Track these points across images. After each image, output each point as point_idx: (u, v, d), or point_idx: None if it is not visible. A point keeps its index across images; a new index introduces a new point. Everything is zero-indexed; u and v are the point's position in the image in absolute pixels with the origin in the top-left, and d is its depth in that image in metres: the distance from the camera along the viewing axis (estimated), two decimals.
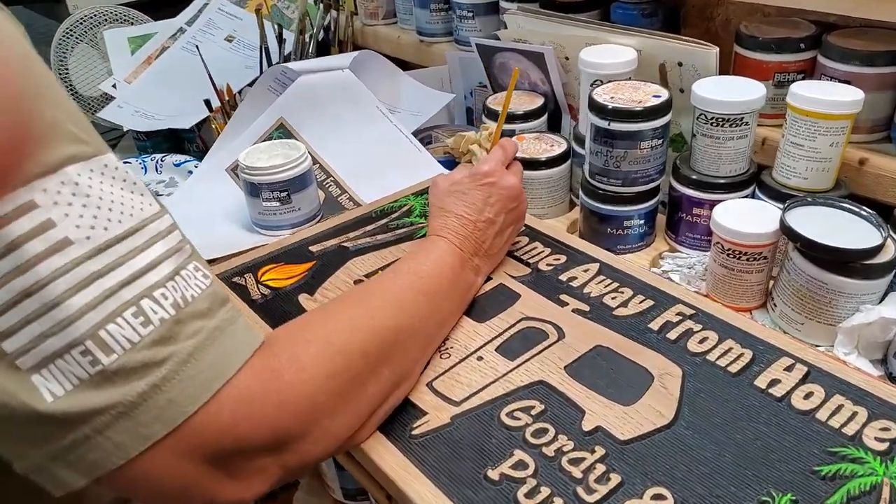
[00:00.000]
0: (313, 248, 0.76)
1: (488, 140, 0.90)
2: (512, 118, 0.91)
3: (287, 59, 1.19)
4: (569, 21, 0.87)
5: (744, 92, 0.69)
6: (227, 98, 1.10)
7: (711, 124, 0.70)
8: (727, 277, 0.67)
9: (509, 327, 0.62)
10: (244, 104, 1.00)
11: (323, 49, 1.25)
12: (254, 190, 0.83)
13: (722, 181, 0.72)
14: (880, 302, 0.61)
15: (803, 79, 0.75)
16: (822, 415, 0.52)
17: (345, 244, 0.76)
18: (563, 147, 0.85)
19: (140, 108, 1.23)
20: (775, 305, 0.66)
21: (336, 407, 0.47)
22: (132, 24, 1.47)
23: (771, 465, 0.48)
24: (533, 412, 0.53)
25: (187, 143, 1.25)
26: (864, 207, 0.63)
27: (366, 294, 0.55)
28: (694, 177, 0.73)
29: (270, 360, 0.44)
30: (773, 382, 0.54)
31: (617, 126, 0.71)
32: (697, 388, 0.55)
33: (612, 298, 0.65)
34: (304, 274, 0.72)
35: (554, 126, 0.96)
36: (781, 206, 0.68)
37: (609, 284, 0.66)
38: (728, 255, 0.66)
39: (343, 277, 0.71)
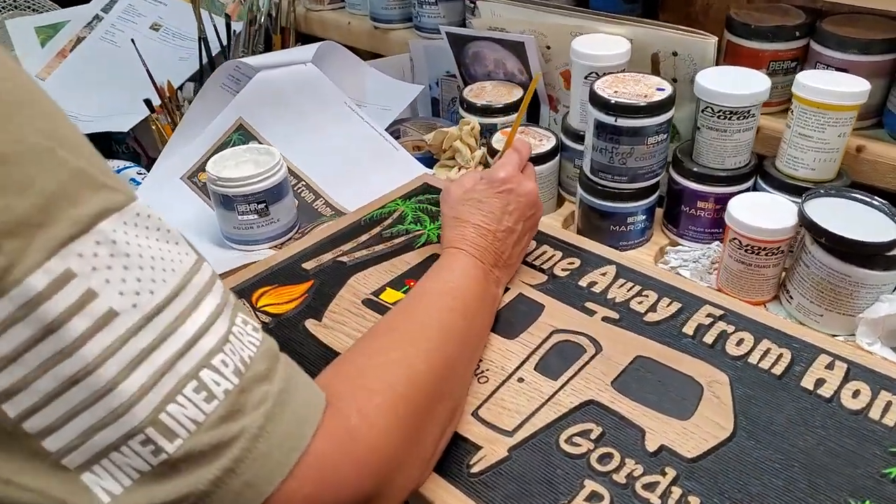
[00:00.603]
0: (307, 266, 0.70)
1: (471, 135, 0.86)
2: (491, 111, 0.88)
3: (226, 49, 1.10)
4: (551, 9, 0.83)
5: (750, 84, 0.68)
6: (168, 96, 1.00)
7: (719, 117, 0.68)
8: (744, 273, 0.66)
9: (542, 343, 0.59)
10: (195, 104, 0.91)
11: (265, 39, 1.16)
12: (227, 203, 0.75)
13: (726, 174, 0.71)
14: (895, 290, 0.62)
15: (796, 67, 0.75)
16: (874, 413, 0.52)
17: (340, 259, 0.71)
18: (553, 141, 0.82)
19: None
20: (791, 298, 0.66)
21: (406, 457, 0.43)
22: (36, 11, 1.32)
23: (839, 472, 0.48)
24: (592, 436, 0.51)
25: (116, 144, 1.14)
26: (876, 197, 0.64)
27: (408, 325, 0.50)
28: (696, 169, 0.72)
29: (339, 418, 0.39)
30: (820, 382, 0.54)
31: (624, 122, 0.68)
32: (747, 394, 0.54)
33: (639, 303, 0.63)
34: (304, 296, 0.66)
35: (532, 117, 0.93)
36: (788, 197, 0.68)
37: (631, 288, 0.65)
38: (746, 250, 0.65)
39: (349, 297, 0.65)
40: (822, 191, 0.65)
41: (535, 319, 0.62)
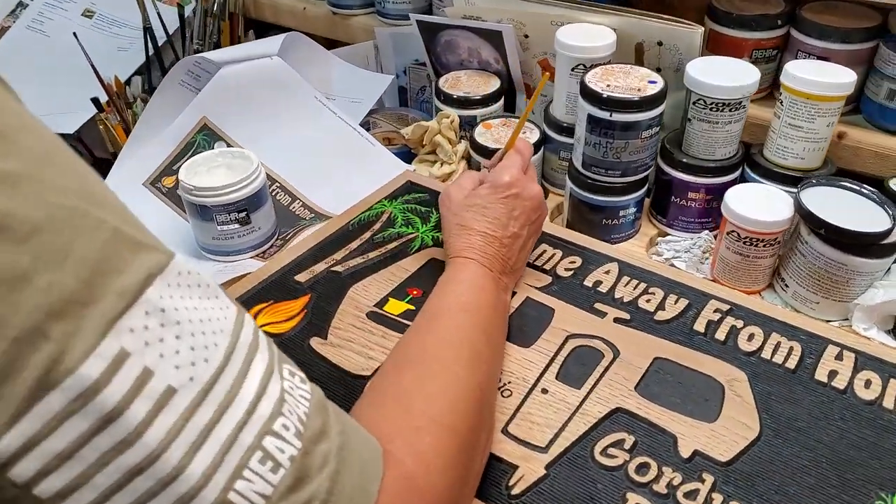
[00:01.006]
0: (300, 279, 0.67)
1: (450, 129, 0.84)
2: (470, 103, 0.86)
3: (172, 39, 1.03)
4: None
5: (741, 75, 0.68)
6: (116, 92, 0.93)
7: (711, 109, 0.69)
8: (741, 264, 0.67)
9: (559, 349, 0.58)
10: (153, 103, 0.85)
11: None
12: (205, 213, 0.71)
13: (716, 164, 0.72)
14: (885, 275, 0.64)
15: (777, 55, 0.75)
16: (887, 402, 0.53)
17: (335, 268, 0.68)
18: (536, 134, 0.81)
19: None
20: (787, 286, 0.67)
21: (461, 491, 0.41)
22: None
23: (865, 464, 0.49)
24: (626, 446, 0.50)
25: None
26: (865, 186, 0.65)
27: (437, 350, 0.48)
28: (687, 161, 0.73)
29: (396, 465, 0.37)
30: (832, 374, 0.56)
31: (619, 117, 0.68)
32: (766, 390, 0.55)
33: (647, 301, 0.63)
34: (302, 312, 0.63)
35: (508, 107, 0.91)
36: (779, 186, 0.70)
37: (637, 286, 0.64)
38: (745, 242, 0.66)
39: (351, 311, 0.63)
40: (813, 181, 0.66)
41: (547, 325, 0.61)
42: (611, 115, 0.68)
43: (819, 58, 0.71)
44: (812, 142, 0.68)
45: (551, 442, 0.51)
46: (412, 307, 0.63)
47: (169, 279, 0.30)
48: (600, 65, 0.73)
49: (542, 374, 0.56)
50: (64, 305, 0.26)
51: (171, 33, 1.05)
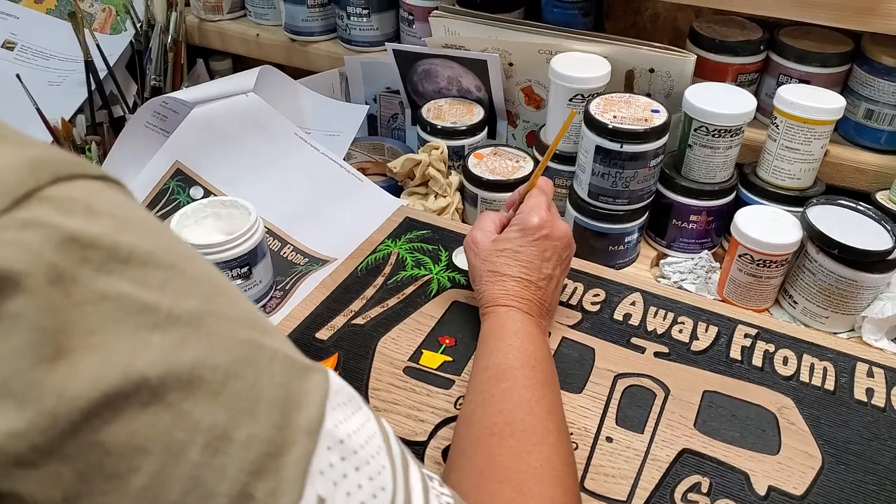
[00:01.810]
0: (321, 336, 0.63)
1: (440, 160, 0.82)
2: (454, 133, 0.84)
3: (112, 70, 0.95)
4: (516, 26, 0.80)
5: (739, 102, 0.70)
6: (64, 136, 0.84)
7: (713, 136, 0.70)
8: (753, 284, 0.69)
9: (611, 392, 0.58)
10: (117, 149, 0.78)
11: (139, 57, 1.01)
12: None
13: (716, 188, 0.74)
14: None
15: (758, 77, 0.78)
16: None
17: (355, 321, 0.64)
18: (530, 162, 0.80)
19: None
20: (795, 303, 0.70)
21: None
22: None
23: None
24: (703, 489, 0.50)
25: None
26: (860, 203, 0.69)
27: (516, 415, 0.46)
28: (686, 184, 0.74)
29: None
30: (870, 393, 0.58)
31: (629, 148, 0.68)
32: (814, 415, 0.56)
33: (679, 332, 0.63)
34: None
35: (490, 134, 0.90)
36: (778, 206, 0.72)
37: (666, 315, 0.65)
38: (758, 264, 0.68)
39: (386, 368, 0.59)
40: (814, 200, 0.69)
41: (591, 366, 0.60)
42: (621, 147, 0.68)
43: (800, 80, 0.75)
44: (807, 162, 0.70)
45: (631, 494, 0.50)
46: (449, 358, 0.61)
47: (334, 401, 0.28)
48: (598, 94, 0.73)
49: (601, 421, 0.55)
50: (264, 460, 0.23)
51: (112, 65, 0.96)
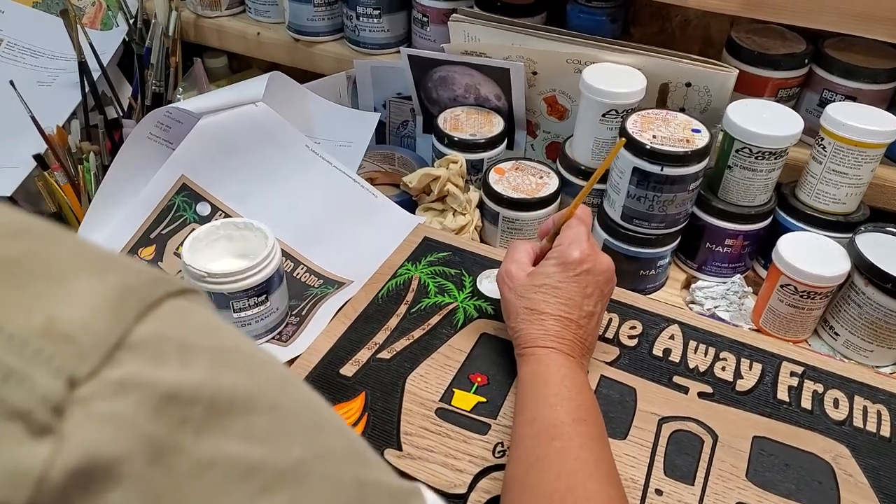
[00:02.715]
0: (345, 372, 0.59)
1: (458, 175, 0.78)
2: (473, 146, 0.79)
3: (105, 70, 0.89)
4: (542, 33, 0.75)
5: (787, 123, 0.66)
6: (60, 145, 0.79)
7: (756, 158, 0.66)
8: (794, 315, 0.66)
9: (656, 438, 0.54)
10: (119, 162, 0.72)
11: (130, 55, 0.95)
12: (221, 301, 0.61)
13: (754, 211, 0.70)
14: None
15: (798, 92, 0.75)
16: None
17: (380, 356, 0.60)
18: (555, 179, 0.76)
19: None
20: (837, 334, 0.67)
21: None
22: None
23: None
24: None
25: None
26: None
27: (575, 479, 0.43)
28: (723, 207, 0.70)
29: None
30: None
31: (671, 171, 0.64)
32: (871, 465, 0.53)
33: (722, 369, 0.60)
34: (363, 417, 0.55)
35: (507, 144, 0.85)
36: (817, 230, 0.69)
37: (707, 351, 0.62)
38: (801, 296, 0.65)
39: (417, 410, 0.56)
40: (862, 228, 0.66)
41: (633, 408, 0.57)
42: (662, 170, 0.64)
43: (846, 97, 0.71)
44: (855, 187, 0.67)
45: None
46: (482, 398, 0.57)
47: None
48: (634, 110, 0.69)
49: (649, 472, 0.52)
50: None
51: (105, 64, 0.90)
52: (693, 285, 0.74)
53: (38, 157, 0.74)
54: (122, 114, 0.90)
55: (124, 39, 0.94)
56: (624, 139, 0.56)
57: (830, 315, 0.68)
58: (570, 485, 0.42)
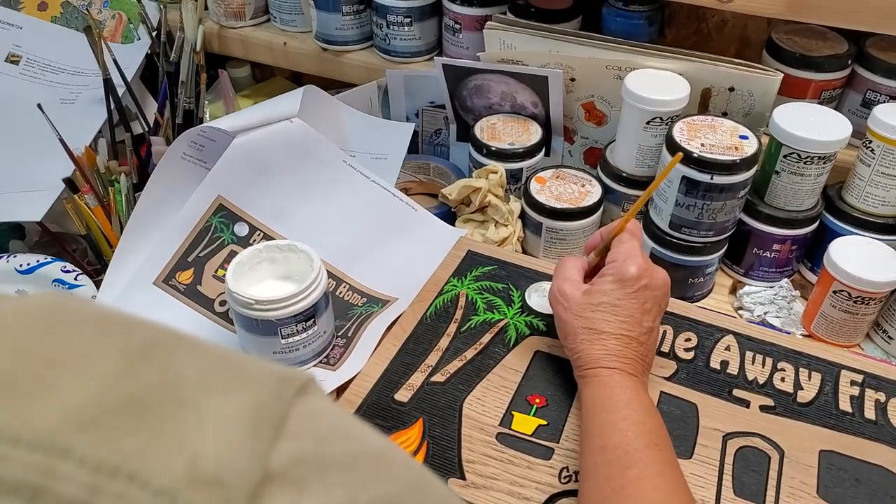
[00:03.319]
0: (400, 398, 0.58)
1: (498, 185, 0.77)
2: (513, 156, 0.78)
3: (130, 85, 0.88)
4: (580, 39, 0.74)
5: (835, 128, 0.65)
6: (89, 166, 0.78)
7: (805, 163, 0.65)
8: (847, 320, 0.65)
9: (722, 456, 0.54)
10: (152, 183, 0.71)
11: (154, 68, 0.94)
12: (268, 328, 0.60)
13: (802, 216, 0.69)
14: None
15: (842, 93, 0.73)
16: None
17: (434, 379, 0.60)
18: (597, 187, 0.75)
19: None
20: (890, 338, 0.66)
21: None
22: None
23: None
24: None
25: None
26: None
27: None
28: (770, 212, 0.69)
29: None
30: None
31: (721, 180, 0.63)
32: None
33: (782, 380, 0.59)
34: (423, 445, 0.54)
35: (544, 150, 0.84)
36: (866, 233, 0.68)
37: (764, 362, 0.61)
38: (855, 301, 0.64)
39: (477, 435, 0.55)
40: None
41: (696, 425, 0.56)
42: (711, 178, 0.63)
43: (890, 97, 0.70)
44: None
45: None
46: (543, 421, 0.56)
47: None
48: (678, 117, 0.68)
49: (718, 492, 0.51)
50: None
51: (129, 79, 0.89)
52: (740, 291, 0.73)
53: (68, 181, 0.73)
54: (147, 129, 0.89)
55: (148, 54, 0.93)
56: (681, 154, 0.55)
57: (883, 318, 0.67)
58: None
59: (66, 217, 0.81)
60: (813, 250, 0.73)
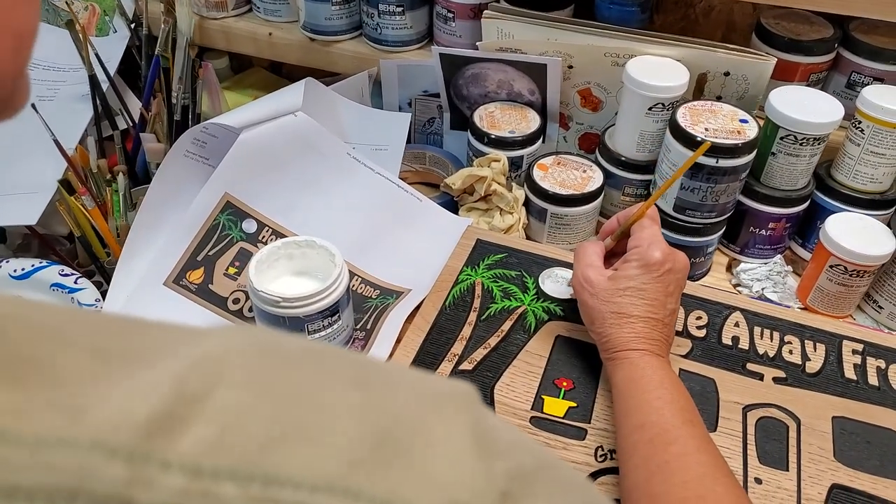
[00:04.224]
0: None
1: (501, 173, 0.78)
2: (513, 144, 0.79)
3: (113, 80, 0.85)
4: (578, 27, 0.75)
5: (829, 110, 0.68)
6: (83, 167, 0.76)
7: (801, 144, 0.68)
8: (842, 293, 0.69)
9: (744, 427, 0.57)
10: (156, 184, 0.70)
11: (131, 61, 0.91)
12: (295, 324, 0.60)
13: (796, 195, 0.72)
14: None
15: (827, 76, 0.77)
16: None
17: (462, 367, 0.61)
18: (599, 172, 0.77)
19: None
20: (880, 307, 0.70)
21: None
22: None
23: None
24: None
25: None
26: None
27: (702, 485, 0.44)
28: (766, 192, 0.72)
29: None
30: None
31: (725, 163, 0.66)
32: None
33: (790, 353, 0.63)
34: None
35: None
36: (855, 209, 0.72)
37: (772, 336, 0.64)
38: (851, 275, 0.67)
39: (513, 421, 0.57)
40: None
41: (716, 400, 0.59)
42: (717, 162, 0.66)
43: (874, 79, 0.73)
44: (892, 166, 0.70)
45: None
46: (573, 403, 0.58)
47: None
48: (679, 103, 0.70)
49: (745, 461, 0.54)
50: None
51: (111, 74, 0.87)
52: (736, 268, 0.76)
53: (64, 182, 0.71)
54: (134, 125, 0.87)
55: (128, 47, 0.90)
56: (709, 143, 0.57)
57: (874, 290, 0.71)
58: (699, 493, 0.44)
59: (52, 218, 0.78)
60: (804, 227, 0.76)
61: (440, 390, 0.21)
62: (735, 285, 0.76)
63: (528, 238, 0.79)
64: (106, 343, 0.19)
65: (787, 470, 0.54)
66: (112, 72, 0.87)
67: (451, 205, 0.80)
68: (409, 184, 0.84)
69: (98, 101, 0.83)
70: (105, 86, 0.86)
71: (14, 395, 0.16)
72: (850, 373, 0.61)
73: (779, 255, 0.77)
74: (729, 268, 0.78)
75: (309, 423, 0.17)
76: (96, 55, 0.85)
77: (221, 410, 0.17)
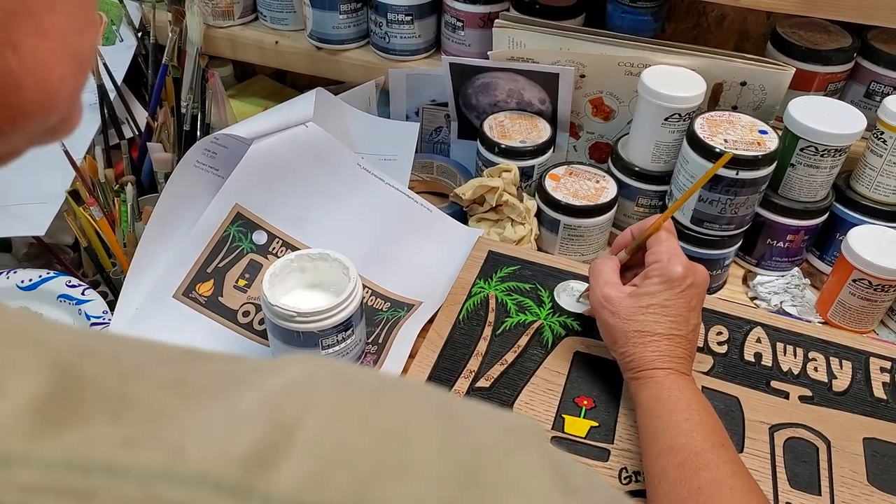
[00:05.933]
0: None
1: (512, 184, 0.76)
2: (524, 154, 0.78)
3: (119, 89, 0.84)
4: (591, 36, 0.74)
5: (850, 121, 0.67)
6: (91, 176, 0.74)
7: (822, 155, 0.67)
8: (866, 307, 0.68)
9: (772, 448, 0.55)
10: (166, 196, 0.68)
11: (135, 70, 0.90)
12: (309, 340, 0.58)
13: (816, 207, 0.71)
14: None
15: (845, 85, 0.75)
16: None
17: (479, 384, 0.59)
18: (612, 183, 0.76)
19: None
20: None
21: None
22: None
23: None
24: None
25: None
26: None
27: None
28: (785, 204, 0.71)
29: None
30: None
31: (745, 175, 0.64)
32: None
33: (815, 370, 0.61)
34: None
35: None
36: (877, 222, 0.70)
37: (796, 352, 0.62)
38: (875, 289, 0.66)
39: None
40: None
41: (741, 419, 0.57)
42: (737, 174, 0.64)
43: (893, 88, 0.72)
44: None
45: None
46: (594, 423, 0.56)
47: None
48: (696, 113, 0.69)
49: (775, 484, 0.53)
50: None
51: (119, 83, 0.85)
52: (753, 281, 0.75)
53: (73, 193, 0.70)
54: (140, 134, 0.85)
55: (136, 56, 0.89)
56: (730, 154, 0.56)
57: None
58: None
59: (57, 228, 0.77)
60: (821, 239, 0.75)
61: (510, 424, 0.20)
62: (752, 298, 0.74)
63: (539, 249, 0.77)
64: (180, 375, 0.18)
65: (820, 494, 0.52)
66: (119, 81, 0.86)
67: (461, 215, 0.79)
68: (416, 193, 0.83)
69: (106, 111, 0.81)
70: (112, 95, 0.84)
71: (116, 429, 0.16)
72: (879, 392, 0.60)
73: (796, 268, 0.75)
74: (745, 280, 0.77)
75: (399, 458, 0.17)
76: (104, 65, 0.83)
77: (314, 443, 0.17)
